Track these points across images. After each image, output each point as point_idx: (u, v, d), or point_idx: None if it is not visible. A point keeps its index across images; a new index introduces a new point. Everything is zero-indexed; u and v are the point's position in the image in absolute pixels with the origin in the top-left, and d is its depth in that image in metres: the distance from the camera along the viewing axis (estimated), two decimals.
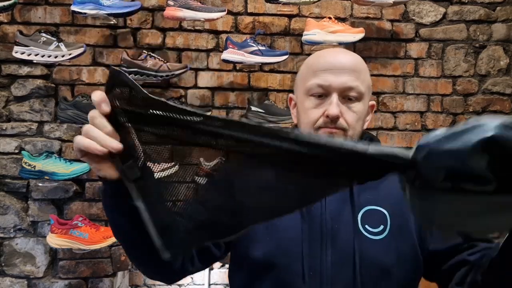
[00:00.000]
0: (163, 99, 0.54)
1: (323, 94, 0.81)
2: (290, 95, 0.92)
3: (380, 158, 0.48)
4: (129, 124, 0.57)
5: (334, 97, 0.80)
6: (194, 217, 0.59)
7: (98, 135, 0.57)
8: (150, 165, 0.59)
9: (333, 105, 0.79)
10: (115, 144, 0.57)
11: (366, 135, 0.90)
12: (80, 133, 0.59)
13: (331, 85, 0.80)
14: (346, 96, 0.81)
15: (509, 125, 0.39)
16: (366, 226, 0.79)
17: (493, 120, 0.40)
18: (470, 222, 0.46)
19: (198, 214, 0.60)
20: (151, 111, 0.54)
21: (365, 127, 0.86)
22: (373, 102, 0.89)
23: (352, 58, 0.84)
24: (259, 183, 0.58)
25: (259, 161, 0.56)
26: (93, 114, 0.58)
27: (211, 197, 0.62)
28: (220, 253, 0.87)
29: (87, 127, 0.58)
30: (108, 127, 0.57)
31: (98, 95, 0.57)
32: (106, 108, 0.57)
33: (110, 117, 0.57)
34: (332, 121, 0.79)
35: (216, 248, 0.85)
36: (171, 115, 0.54)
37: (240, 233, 0.58)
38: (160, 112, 0.54)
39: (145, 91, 0.55)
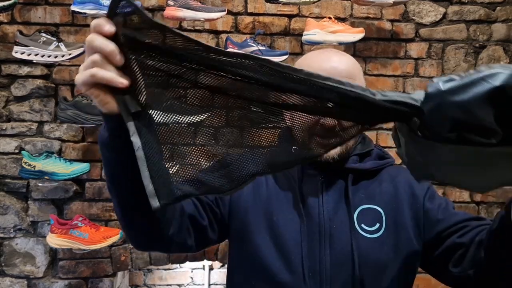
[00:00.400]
0: (170, 27, 0.50)
1: None
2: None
3: (386, 105, 0.47)
4: (132, 56, 0.52)
5: None
6: (191, 164, 0.56)
7: (109, 67, 0.51)
8: (151, 101, 0.55)
9: None
10: (123, 79, 0.52)
11: (360, 135, 0.90)
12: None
13: None
14: None
15: None
16: (362, 225, 0.80)
17: (505, 69, 0.40)
18: (470, 173, 0.46)
19: (195, 162, 0.57)
20: (156, 39, 0.50)
21: None
22: None
23: (346, 63, 0.84)
24: (259, 132, 0.55)
25: (262, 107, 0.53)
26: (93, 36, 0.51)
27: (210, 145, 0.58)
28: (215, 237, 0.87)
29: (95, 57, 0.51)
30: (112, 46, 0.51)
31: (99, 19, 0.51)
32: (111, 28, 0.50)
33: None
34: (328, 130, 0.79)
35: (212, 231, 0.85)
36: (177, 44, 0.50)
37: (237, 189, 0.55)
38: (166, 41, 0.50)
39: (151, 17, 0.50)
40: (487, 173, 0.46)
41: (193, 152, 0.57)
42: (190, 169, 0.56)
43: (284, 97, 0.52)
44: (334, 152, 0.81)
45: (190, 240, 0.81)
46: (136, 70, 0.53)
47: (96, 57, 0.51)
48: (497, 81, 0.39)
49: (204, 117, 0.56)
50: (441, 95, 0.42)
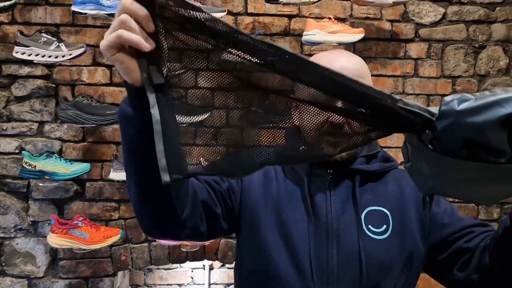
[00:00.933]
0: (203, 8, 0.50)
1: None
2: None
3: (402, 112, 0.47)
4: (163, 26, 0.52)
5: None
6: (205, 143, 0.57)
7: (136, 29, 0.51)
8: (174, 75, 0.55)
9: None
10: (149, 44, 0.52)
11: None
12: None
13: None
14: None
15: None
16: (370, 226, 0.80)
17: None
18: (476, 187, 0.46)
19: (209, 141, 0.57)
20: (189, 13, 0.50)
21: None
22: None
23: (355, 63, 0.84)
24: (275, 121, 0.55)
25: (278, 96, 0.53)
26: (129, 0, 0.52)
27: (223, 130, 0.58)
28: (226, 227, 0.86)
29: (124, 18, 0.52)
30: (146, 11, 0.51)
31: None
32: None
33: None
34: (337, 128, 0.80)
35: (224, 220, 0.85)
36: (207, 22, 0.50)
37: (245, 175, 0.56)
38: (197, 17, 0.50)
39: None
40: (493, 187, 0.46)
41: (207, 132, 0.57)
42: (203, 148, 0.56)
43: (301, 90, 0.52)
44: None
45: (203, 227, 0.80)
46: (163, 41, 0.53)
47: (124, 17, 0.52)
48: (510, 109, 0.39)
49: (220, 100, 0.56)
50: (455, 114, 0.42)
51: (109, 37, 0.52)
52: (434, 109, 0.45)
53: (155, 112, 0.53)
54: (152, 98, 0.53)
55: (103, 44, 0.53)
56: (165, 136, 0.53)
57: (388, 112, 0.48)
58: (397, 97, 0.48)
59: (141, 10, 0.52)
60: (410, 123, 0.47)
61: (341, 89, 0.50)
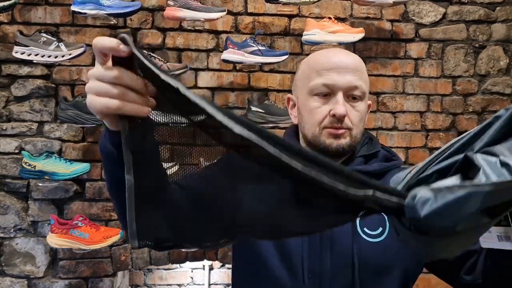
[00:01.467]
0: (175, 83, 0.47)
1: (327, 93, 0.81)
2: (288, 95, 0.92)
3: (373, 206, 0.47)
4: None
5: (340, 97, 0.79)
6: (181, 213, 0.55)
7: (135, 97, 0.50)
8: (155, 138, 0.53)
9: (340, 105, 0.79)
10: (146, 108, 0.50)
11: (366, 136, 0.90)
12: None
13: (336, 84, 0.80)
14: (351, 95, 0.81)
15: (497, 191, 0.38)
16: (365, 229, 0.79)
17: (477, 188, 0.39)
18: (465, 242, 0.48)
19: (186, 211, 0.55)
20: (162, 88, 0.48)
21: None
22: (370, 102, 0.90)
23: (353, 58, 0.84)
24: (256, 197, 0.53)
25: (260, 174, 0.50)
26: (122, 73, 0.49)
27: (204, 199, 0.57)
28: None
29: (123, 91, 0.49)
30: (141, 81, 0.49)
31: (110, 39, 0.47)
32: (126, 49, 0.47)
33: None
34: (339, 120, 0.79)
35: None
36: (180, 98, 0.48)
37: (221, 246, 0.54)
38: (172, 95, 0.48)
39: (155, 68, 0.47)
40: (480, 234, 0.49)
41: (185, 200, 0.55)
42: (178, 217, 0.54)
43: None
44: (345, 142, 0.81)
45: None
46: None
47: (123, 90, 0.49)
48: (473, 208, 0.39)
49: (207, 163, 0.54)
50: (421, 220, 0.42)
51: (105, 103, 0.49)
52: (404, 200, 0.45)
53: (129, 176, 0.50)
54: (128, 162, 0.50)
55: (95, 107, 0.50)
56: (138, 201, 0.50)
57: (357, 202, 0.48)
58: (370, 191, 0.46)
59: (138, 83, 0.49)
60: (385, 208, 0.47)
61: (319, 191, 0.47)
